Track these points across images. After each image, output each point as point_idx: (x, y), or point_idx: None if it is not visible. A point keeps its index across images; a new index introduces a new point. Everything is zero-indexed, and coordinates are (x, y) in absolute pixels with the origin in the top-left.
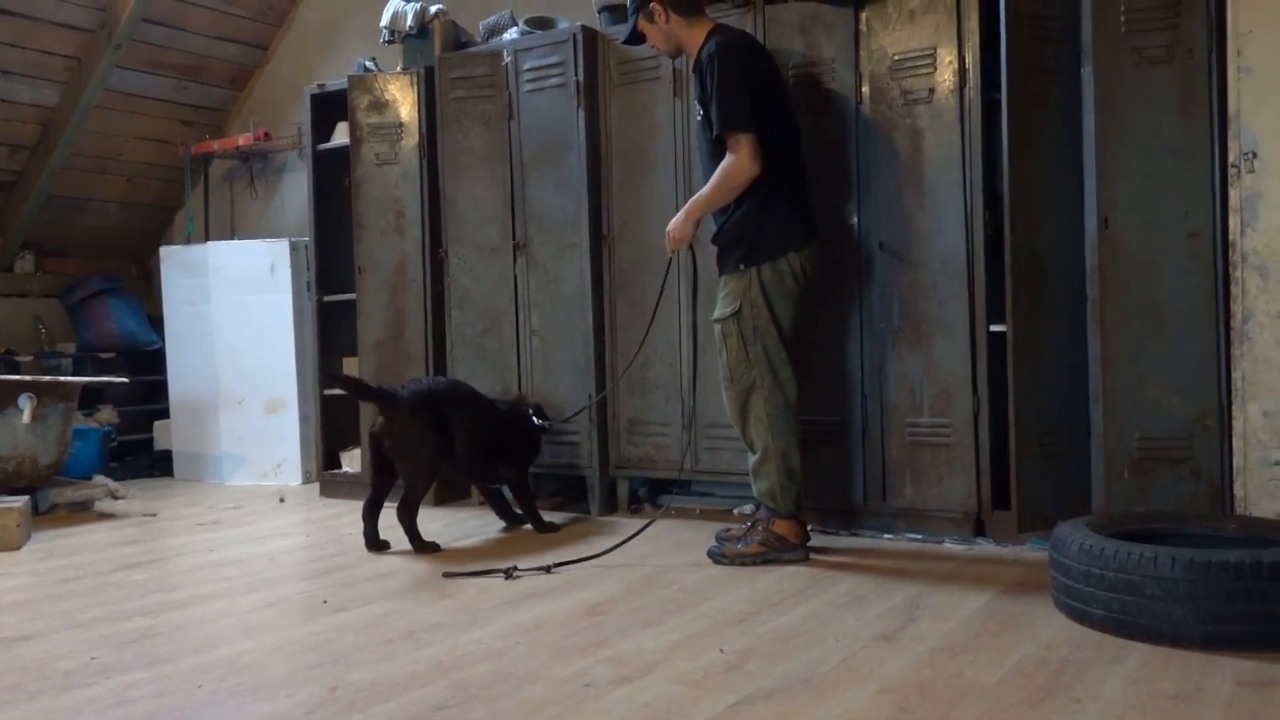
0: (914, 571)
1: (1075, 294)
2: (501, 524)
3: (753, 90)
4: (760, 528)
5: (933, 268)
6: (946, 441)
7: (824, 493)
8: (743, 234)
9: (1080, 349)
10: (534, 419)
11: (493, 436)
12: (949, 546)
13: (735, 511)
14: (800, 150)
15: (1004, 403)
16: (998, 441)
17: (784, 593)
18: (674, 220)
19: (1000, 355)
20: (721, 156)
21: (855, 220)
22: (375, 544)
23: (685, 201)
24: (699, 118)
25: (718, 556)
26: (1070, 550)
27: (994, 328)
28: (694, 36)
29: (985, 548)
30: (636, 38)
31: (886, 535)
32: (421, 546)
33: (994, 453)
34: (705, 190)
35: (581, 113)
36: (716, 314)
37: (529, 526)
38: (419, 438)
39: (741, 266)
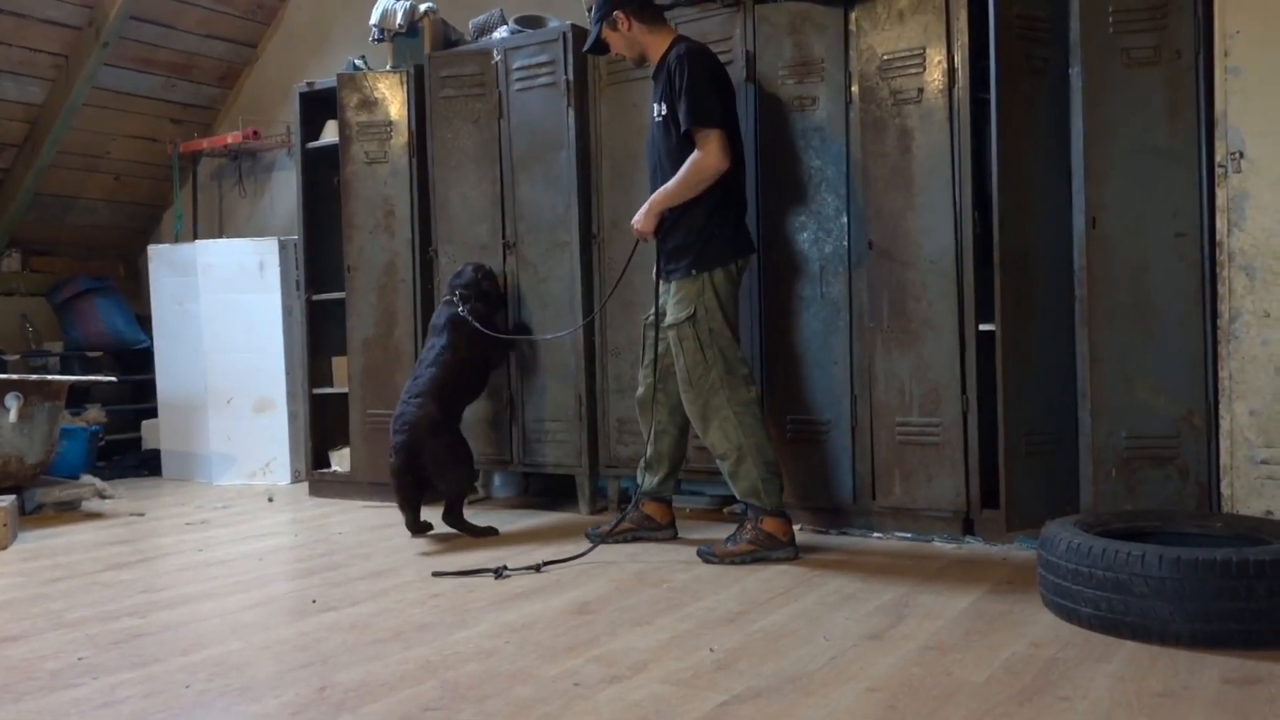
0: (903, 570)
1: (1063, 294)
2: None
3: (721, 94)
4: (749, 526)
5: (922, 267)
6: (935, 441)
7: (813, 492)
8: (692, 240)
9: (1068, 348)
10: (475, 325)
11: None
12: (938, 545)
13: (726, 510)
14: (744, 167)
15: (993, 402)
16: (986, 441)
17: (773, 591)
18: (638, 215)
19: (989, 355)
20: (684, 156)
21: (844, 219)
22: (418, 528)
23: None
24: (658, 119)
25: (708, 556)
26: (1058, 549)
27: (983, 327)
28: (657, 43)
29: (974, 546)
30: (600, 46)
31: (876, 534)
32: (479, 533)
33: (983, 452)
34: (671, 184)
35: (571, 112)
36: (670, 319)
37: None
38: (452, 452)
39: (694, 272)
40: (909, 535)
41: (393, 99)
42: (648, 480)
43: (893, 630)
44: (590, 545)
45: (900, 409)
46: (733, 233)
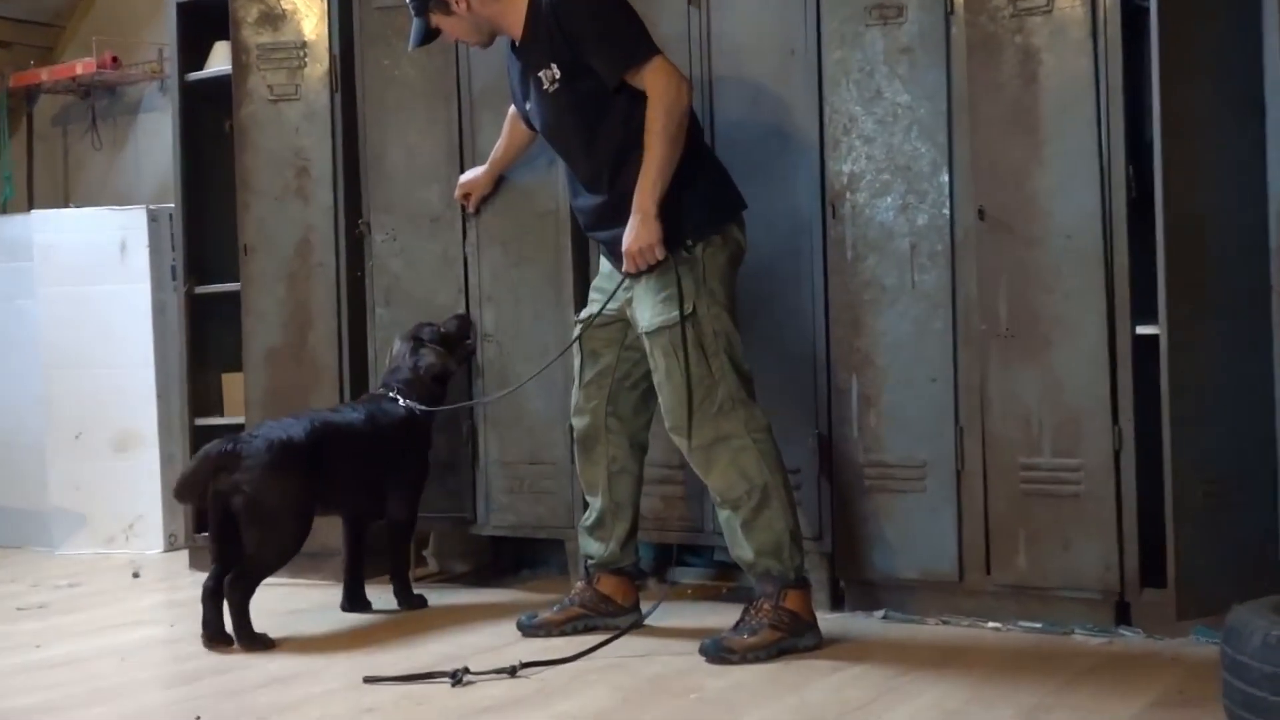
0: (1030, 674)
1: (1255, 282)
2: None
3: (633, 13)
4: (767, 607)
5: (1054, 245)
6: (1075, 491)
7: (902, 562)
8: (670, 201)
9: (1262, 360)
10: (405, 407)
11: (376, 466)
12: (1080, 639)
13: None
14: None
15: (1156, 436)
16: (1148, 491)
17: (848, 705)
18: (630, 232)
19: (1150, 369)
20: (615, 113)
21: (944, 178)
22: (219, 637)
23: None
24: (550, 88)
25: (723, 654)
26: (1250, 644)
27: (1141, 330)
28: (511, 11)
29: (1131, 640)
30: (430, 36)
31: (991, 623)
32: (250, 640)
33: (1143, 507)
34: (652, 159)
35: None
36: (657, 321)
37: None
38: (283, 501)
39: (689, 244)
40: (1038, 625)
41: (308, 11)
42: (600, 546)
43: None
44: (596, 642)
45: (1025, 446)
46: (718, 178)
